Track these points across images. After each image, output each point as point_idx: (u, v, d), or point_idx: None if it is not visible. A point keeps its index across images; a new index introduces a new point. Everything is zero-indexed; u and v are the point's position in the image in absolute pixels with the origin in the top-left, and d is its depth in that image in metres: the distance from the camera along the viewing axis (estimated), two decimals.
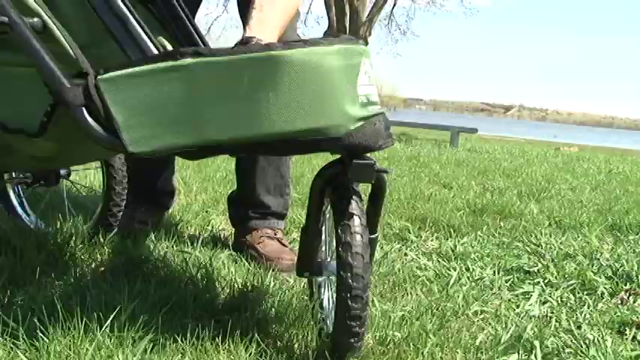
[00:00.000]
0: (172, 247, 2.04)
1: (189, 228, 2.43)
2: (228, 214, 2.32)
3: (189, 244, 2.10)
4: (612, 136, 30.14)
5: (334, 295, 1.21)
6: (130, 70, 1.11)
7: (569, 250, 2.45)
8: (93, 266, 1.78)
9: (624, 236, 2.91)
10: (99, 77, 1.12)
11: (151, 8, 1.58)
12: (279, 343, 1.31)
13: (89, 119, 1.12)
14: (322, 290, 1.42)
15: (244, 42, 1.38)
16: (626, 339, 1.59)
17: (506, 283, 2.01)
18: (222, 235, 2.35)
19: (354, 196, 1.21)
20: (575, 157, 8.89)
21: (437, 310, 1.63)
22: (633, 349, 1.52)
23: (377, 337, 1.37)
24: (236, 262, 1.95)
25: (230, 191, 2.35)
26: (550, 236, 2.73)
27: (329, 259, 1.36)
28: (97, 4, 1.35)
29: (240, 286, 1.63)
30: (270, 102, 1.10)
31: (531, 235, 2.73)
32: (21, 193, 2.21)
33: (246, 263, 1.94)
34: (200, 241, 2.10)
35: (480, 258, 2.28)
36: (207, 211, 2.73)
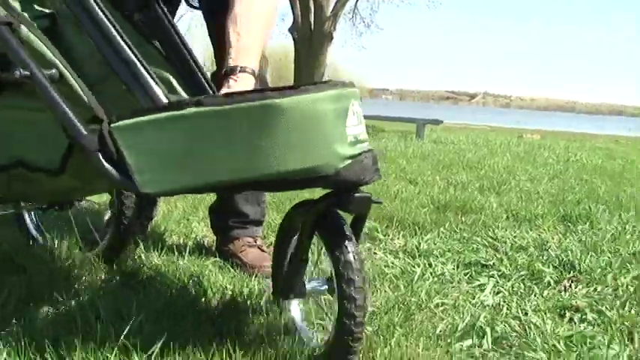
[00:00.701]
0: (162, 257, 2.23)
1: (173, 237, 2.61)
2: (210, 223, 2.51)
3: (176, 253, 2.28)
4: (574, 121, 30.92)
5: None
6: (140, 119, 1.24)
7: (522, 243, 2.72)
8: (98, 279, 1.96)
9: (574, 226, 3.18)
10: (112, 125, 1.24)
11: (156, 46, 1.72)
12: (272, 344, 1.51)
13: (104, 163, 1.23)
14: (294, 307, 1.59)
15: (229, 72, 1.56)
16: (565, 321, 1.84)
17: (465, 276, 2.25)
18: (205, 243, 2.53)
19: (345, 223, 1.38)
20: (537, 145, 9.24)
21: (403, 304, 1.85)
22: (569, 329, 1.77)
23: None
24: (222, 270, 2.15)
25: (209, 199, 2.53)
26: (506, 230, 2.99)
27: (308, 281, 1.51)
28: (106, 51, 1.50)
29: (230, 292, 1.84)
30: (265, 146, 1.22)
31: (489, 230, 2.98)
32: (35, 217, 2.33)
33: (232, 270, 2.14)
34: (187, 250, 2.30)
35: (441, 254, 2.52)
36: (188, 219, 2.92)
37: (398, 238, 2.81)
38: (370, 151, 1.36)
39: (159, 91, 1.50)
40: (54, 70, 1.34)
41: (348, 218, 1.43)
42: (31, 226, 2.33)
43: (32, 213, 2.33)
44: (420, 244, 2.65)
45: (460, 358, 1.54)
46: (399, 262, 2.37)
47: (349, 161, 1.28)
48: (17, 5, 1.52)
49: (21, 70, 1.29)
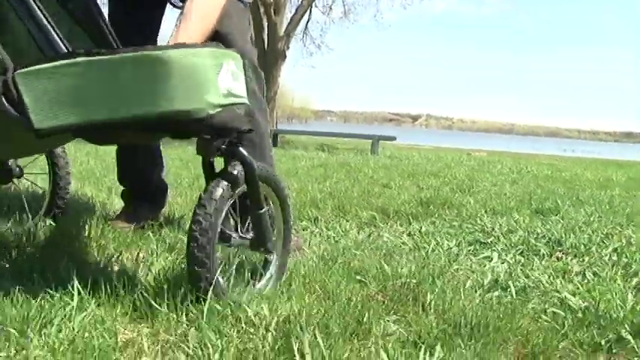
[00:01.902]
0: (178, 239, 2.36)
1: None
2: None
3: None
4: (513, 142, 32.19)
5: None
6: (38, 66, 1.42)
7: (510, 228, 3.00)
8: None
9: (547, 217, 3.50)
10: (16, 72, 1.42)
11: (70, 10, 1.90)
12: None
13: (6, 104, 1.42)
14: None
15: None
16: (568, 281, 2.11)
17: (469, 252, 2.50)
18: None
19: None
20: (487, 161, 9.72)
21: (429, 268, 2.08)
22: (575, 286, 2.03)
23: (398, 284, 1.80)
24: None
25: None
26: (491, 219, 3.27)
27: None
28: (20, 10, 1.66)
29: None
30: (142, 89, 1.41)
31: (475, 219, 3.26)
32: None
33: None
34: None
35: (441, 235, 2.77)
36: None
37: (397, 225, 3.04)
38: (244, 105, 1.58)
39: (63, 47, 1.66)
40: None
41: None
42: None
43: None
44: (421, 228, 2.88)
45: (493, 303, 1.77)
46: (410, 241, 2.60)
47: (220, 109, 1.48)
48: None
49: None
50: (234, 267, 1.71)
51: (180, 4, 2.47)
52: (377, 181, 5.14)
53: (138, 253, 2.05)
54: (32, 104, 1.42)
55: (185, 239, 2.23)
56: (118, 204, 3.03)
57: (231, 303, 1.46)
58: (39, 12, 1.66)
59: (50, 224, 2.31)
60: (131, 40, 1.92)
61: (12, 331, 1.30)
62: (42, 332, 1.32)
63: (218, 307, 1.45)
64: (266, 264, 1.80)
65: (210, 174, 1.65)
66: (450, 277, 1.99)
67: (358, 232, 2.78)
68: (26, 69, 1.43)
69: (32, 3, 1.67)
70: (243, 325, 1.39)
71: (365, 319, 1.48)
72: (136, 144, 2.56)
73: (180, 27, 1.81)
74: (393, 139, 10.87)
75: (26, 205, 2.41)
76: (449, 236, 2.76)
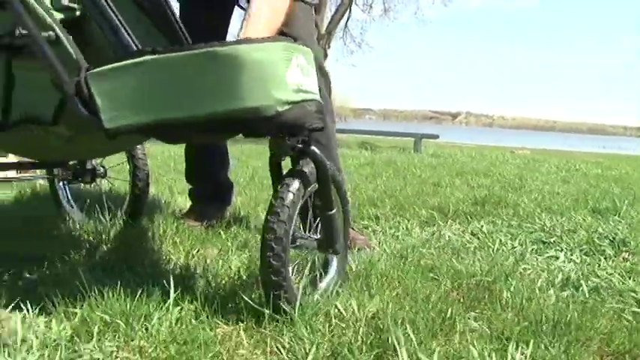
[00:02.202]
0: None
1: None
2: None
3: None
4: (556, 139, 31.64)
5: None
6: (108, 66, 1.44)
7: (571, 227, 2.99)
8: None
9: (605, 217, 3.47)
10: (87, 73, 1.45)
11: (143, 7, 1.94)
12: None
13: (79, 104, 1.45)
14: None
15: None
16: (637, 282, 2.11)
17: (534, 251, 2.51)
18: None
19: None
20: (532, 159, 9.62)
21: (499, 267, 2.10)
22: None
23: (472, 282, 1.84)
24: None
25: None
26: (550, 218, 3.26)
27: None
28: (93, 12, 1.68)
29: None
30: (211, 87, 1.38)
31: (534, 219, 3.25)
32: (66, 189, 2.64)
33: None
34: None
35: (503, 234, 2.78)
36: None
37: (456, 224, 3.06)
38: (314, 101, 1.52)
39: (133, 47, 1.66)
40: (51, 33, 1.54)
41: None
42: (61, 196, 2.64)
43: (62, 185, 2.62)
44: (482, 227, 2.90)
45: (567, 302, 1.79)
46: (474, 239, 2.62)
47: (289, 106, 1.43)
48: None
49: (20, 29, 1.53)
50: (299, 268, 1.72)
51: (247, 4, 2.56)
52: (426, 179, 5.15)
53: (217, 251, 2.12)
54: (102, 104, 1.44)
55: (256, 236, 2.33)
56: (181, 203, 3.13)
57: (320, 299, 1.52)
58: (111, 13, 1.70)
59: (129, 222, 2.41)
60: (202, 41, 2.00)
61: (120, 322, 1.38)
62: (144, 325, 1.40)
63: (311, 299, 1.50)
64: (326, 264, 1.80)
65: (277, 174, 1.62)
66: (520, 275, 2.01)
67: (421, 231, 2.81)
68: (97, 69, 1.46)
69: (105, 4, 1.71)
70: (334, 320, 1.44)
71: (448, 316, 1.52)
72: (208, 143, 2.65)
73: (247, 28, 1.81)
74: (436, 137, 10.84)
75: (108, 204, 2.52)
76: (510, 235, 2.77)
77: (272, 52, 1.44)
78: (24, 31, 1.53)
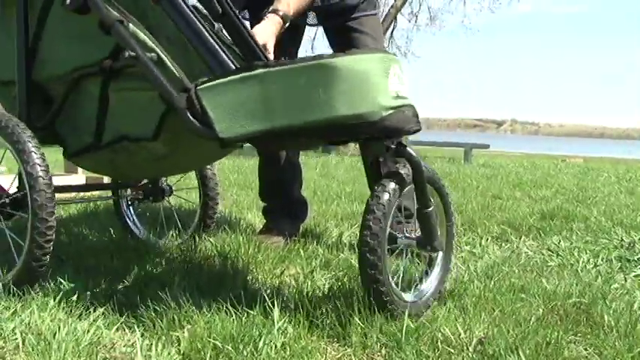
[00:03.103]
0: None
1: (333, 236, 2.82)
2: None
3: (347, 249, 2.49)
4: (607, 146, 30.84)
5: None
6: (218, 81, 1.56)
7: None
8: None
9: None
10: (198, 88, 1.56)
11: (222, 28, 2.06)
12: None
13: (191, 118, 1.56)
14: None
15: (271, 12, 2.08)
16: None
17: (619, 269, 2.44)
18: None
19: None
20: (587, 168, 9.39)
21: (589, 288, 2.05)
22: None
23: (568, 304, 1.80)
24: None
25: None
26: (626, 233, 3.17)
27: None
28: (188, 35, 1.77)
29: None
30: (321, 96, 1.50)
31: (609, 233, 3.17)
32: (132, 209, 2.68)
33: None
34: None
35: (583, 251, 2.72)
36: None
37: (530, 240, 3.00)
38: (411, 106, 1.64)
39: (229, 62, 1.76)
40: (154, 54, 1.65)
41: None
42: (127, 216, 2.68)
43: (129, 206, 2.66)
44: (559, 242, 2.84)
45: None
46: (555, 257, 2.57)
47: (391, 111, 1.56)
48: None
49: (129, 52, 1.64)
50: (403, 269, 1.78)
51: (315, 21, 2.60)
52: (486, 192, 5.08)
53: (298, 271, 2.13)
54: (216, 115, 1.54)
55: (337, 255, 2.33)
56: (251, 219, 3.16)
57: (426, 322, 1.51)
58: (207, 35, 1.79)
59: (206, 239, 2.45)
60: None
61: (229, 348, 1.39)
62: (250, 350, 1.41)
63: (411, 324, 1.49)
64: (431, 262, 1.86)
65: (376, 174, 1.69)
66: (614, 296, 1.96)
67: (496, 248, 2.77)
68: (207, 84, 1.57)
69: (200, 27, 1.80)
70: (440, 344, 1.43)
71: (553, 341, 1.48)
72: (280, 157, 2.69)
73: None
74: (487, 147, 10.72)
75: (178, 222, 2.57)
76: (590, 252, 2.71)
77: (374, 62, 1.58)
78: (132, 53, 1.63)
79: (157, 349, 1.44)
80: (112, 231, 2.65)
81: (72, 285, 1.91)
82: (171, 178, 2.60)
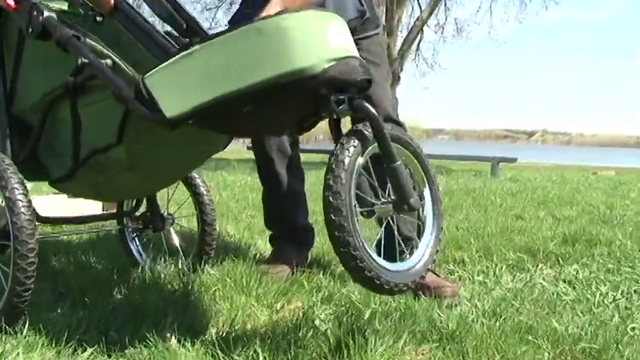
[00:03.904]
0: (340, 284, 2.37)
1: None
2: None
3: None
4: None
5: None
6: (161, 65, 1.58)
7: None
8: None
9: None
10: (144, 77, 1.59)
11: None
12: None
13: (140, 106, 1.58)
14: None
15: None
16: None
17: (638, 303, 2.32)
18: None
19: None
20: (618, 181, 9.13)
21: (599, 327, 1.94)
22: None
23: (577, 349, 1.70)
24: None
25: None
26: None
27: None
28: (133, 30, 1.92)
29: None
30: (258, 57, 1.49)
31: (633, 261, 3.03)
32: (137, 239, 2.65)
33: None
34: None
35: (601, 282, 2.59)
36: None
37: (547, 268, 2.89)
38: (356, 58, 1.61)
39: (169, 45, 1.87)
40: (108, 60, 1.71)
41: None
42: (131, 246, 2.65)
43: (132, 235, 2.64)
44: (577, 272, 2.72)
45: None
46: (570, 290, 2.46)
47: (333, 62, 1.52)
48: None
49: (82, 58, 1.71)
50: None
51: None
52: (508, 211, 4.95)
53: (298, 305, 2.07)
54: (161, 97, 1.56)
55: (340, 290, 2.26)
56: (261, 245, 3.12)
57: None
58: (145, 23, 1.91)
59: (206, 270, 2.40)
60: None
61: None
62: None
63: None
64: (419, 231, 1.77)
65: (337, 136, 1.63)
66: (630, 339, 1.85)
67: (510, 278, 2.66)
68: (150, 72, 1.59)
69: (151, 29, 1.91)
70: None
71: None
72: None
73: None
74: (514, 160, 10.50)
75: (180, 252, 2.53)
76: (609, 284, 2.58)
77: (309, 17, 1.56)
78: (85, 60, 1.71)
79: None
80: (117, 261, 2.62)
81: (66, 321, 1.88)
82: (172, 206, 2.55)
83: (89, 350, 1.66)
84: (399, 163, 1.62)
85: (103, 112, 1.79)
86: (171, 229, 2.58)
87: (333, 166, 1.50)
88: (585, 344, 1.72)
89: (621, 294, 2.42)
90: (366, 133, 1.59)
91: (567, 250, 3.25)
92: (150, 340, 1.67)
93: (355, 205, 1.51)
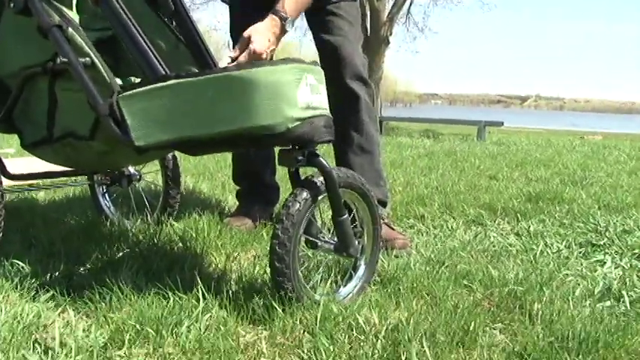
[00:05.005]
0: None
1: None
2: None
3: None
4: (634, 122, 30.04)
5: None
6: (136, 90, 1.60)
7: (625, 227, 2.88)
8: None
9: None
10: (119, 96, 1.61)
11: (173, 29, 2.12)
12: None
13: (112, 124, 1.62)
14: None
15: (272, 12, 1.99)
16: None
17: (580, 254, 2.45)
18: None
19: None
20: (602, 145, 9.24)
21: (536, 274, 2.06)
22: None
23: (505, 291, 1.82)
24: None
25: None
26: (604, 217, 3.16)
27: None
28: (122, 36, 1.85)
29: None
30: (226, 108, 1.53)
31: (588, 217, 3.15)
32: (105, 194, 2.79)
33: None
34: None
35: (551, 236, 2.72)
36: None
37: (504, 224, 3.01)
38: (323, 116, 1.65)
39: (159, 67, 1.81)
40: (87, 59, 1.72)
41: None
42: (101, 200, 2.79)
43: (102, 189, 2.77)
44: (529, 227, 2.84)
45: (604, 315, 1.74)
46: (518, 241, 2.58)
47: (298, 123, 1.57)
48: (73, 14, 1.93)
49: (61, 57, 1.70)
50: (320, 271, 1.83)
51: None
52: (484, 172, 5.06)
53: (255, 254, 2.18)
54: (132, 123, 1.60)
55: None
56: (232, 201, 3.22)
57: (344, 309, 1.55)
58: (139, 37, 1.85)
59: (170, 223, 2.51)
60: None
61: (150, 330, 1.46)
62: (174, 332, 1.48)
63: (334, 310, 1.54)
64: (356, 266, 1.87)
65: (294, 183, 1.75)
66: (559, 283, 1.98)
67: (465, 232, 2.78)
68: (127, 92, 1.62)
69: (132, 28, 1.85)
70: (354, 331, 1.47)
71: (471, 328, 1.52)
72: None
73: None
74: (500, 124, 10.58)
75: (147, 206, 2.64)
76: (558, 237, 2.71)
77: (283, 73, 1.58)
78: (64, 59, 1.70)
79: (88, 331, 1.51)
80: (87, 216, 2.73)
81: (33, 268, 1.99)
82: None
83: (50, 292, 1.77)
84: (345, 216, 1.73)
85: (79, 103, 1.80)
86: (138, 184, 2.69)
87: (284, 218, 1.61)
88: (512, 286, 1.84)
89: (565, 245, 2.54)
90: (319, 184, 1.68)
91: (529, 207, 3.37)
92: (109, 284, 1.78)
93: (301, 236, 1.66)
